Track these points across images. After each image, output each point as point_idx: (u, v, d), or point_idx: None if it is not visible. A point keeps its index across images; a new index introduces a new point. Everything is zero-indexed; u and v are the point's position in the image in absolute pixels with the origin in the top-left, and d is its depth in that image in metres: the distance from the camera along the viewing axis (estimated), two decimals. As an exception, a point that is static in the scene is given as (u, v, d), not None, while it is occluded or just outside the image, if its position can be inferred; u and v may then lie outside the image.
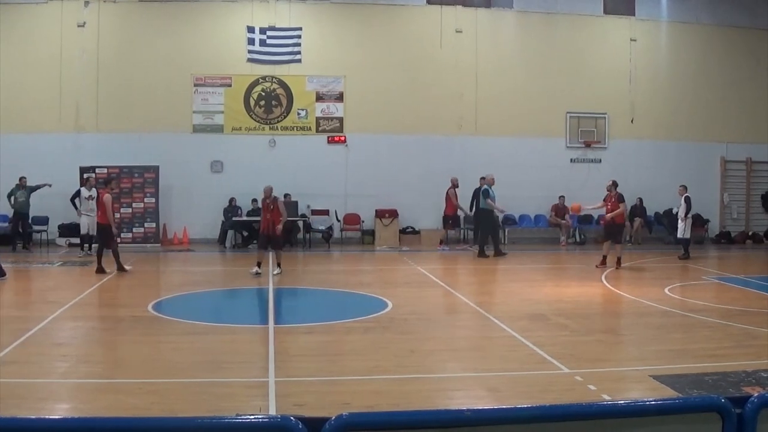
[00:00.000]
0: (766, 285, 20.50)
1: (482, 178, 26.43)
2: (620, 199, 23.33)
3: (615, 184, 23.46)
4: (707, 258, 26.88)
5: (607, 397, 10.07)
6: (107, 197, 21.03)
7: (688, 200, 25.57)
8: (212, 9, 28.76)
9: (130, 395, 9.75)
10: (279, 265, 21.45)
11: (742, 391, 10.34)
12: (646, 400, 3.36)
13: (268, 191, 21.39)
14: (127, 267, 21.18)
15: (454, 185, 28.22)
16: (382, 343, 13.34)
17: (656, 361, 12.25)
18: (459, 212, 28.44)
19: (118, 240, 23.04)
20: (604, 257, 22.94)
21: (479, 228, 26.60)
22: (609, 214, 23.23)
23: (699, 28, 31.90)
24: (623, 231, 24.31)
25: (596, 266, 22.74)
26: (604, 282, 20.68)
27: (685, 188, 25.97)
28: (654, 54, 31.70)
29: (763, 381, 11.01)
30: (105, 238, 21.35)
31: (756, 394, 3.31)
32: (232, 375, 10.95)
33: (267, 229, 21.27)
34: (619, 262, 22.96)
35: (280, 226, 21.19)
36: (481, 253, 25.73)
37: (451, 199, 28.23)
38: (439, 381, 11.33)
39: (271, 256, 22.14)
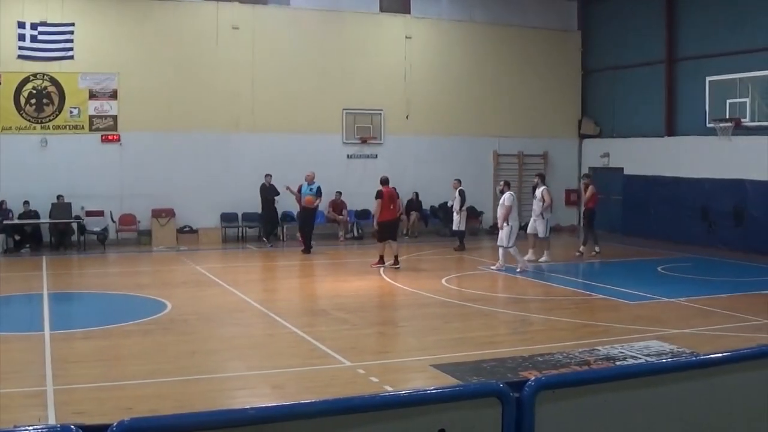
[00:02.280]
0: (535, 273, 21.40)
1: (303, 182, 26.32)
2: (376, 195, 22.90)
3: (382, 181, 23.34)
4: (482, 249, 27.73)
5: (389, 388, 10.27)
6: None
7: (462, 193, 26.36)
8: (-22, 3, 27.35)
9: None
10: None
11: (519, 375, 10.77)
12: (426, 388, 3.43)
13: None
14: None
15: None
16: (162, 345, 13.15)
17: (436, 350, 12.61)
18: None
19: None
20: (395, 257, 22.49)
21: (304, 224, 26.49)
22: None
23: (473, 26, 32.89)
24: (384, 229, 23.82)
25: (392, 266, 22.37)
26: (383, 275, 21.07)
27: (459, 182, 26.77)
28: (428, 51, 32.43)
29: (540, 365, 11.51)
30: None
31: (533, 378, 3.43)
32: (8, 385, 10.54)
33: None
34: (381, 260, 22.68)
35: None
36: (307, 250, 25.88)
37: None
38: (222, 381, 11.28)
39: None
